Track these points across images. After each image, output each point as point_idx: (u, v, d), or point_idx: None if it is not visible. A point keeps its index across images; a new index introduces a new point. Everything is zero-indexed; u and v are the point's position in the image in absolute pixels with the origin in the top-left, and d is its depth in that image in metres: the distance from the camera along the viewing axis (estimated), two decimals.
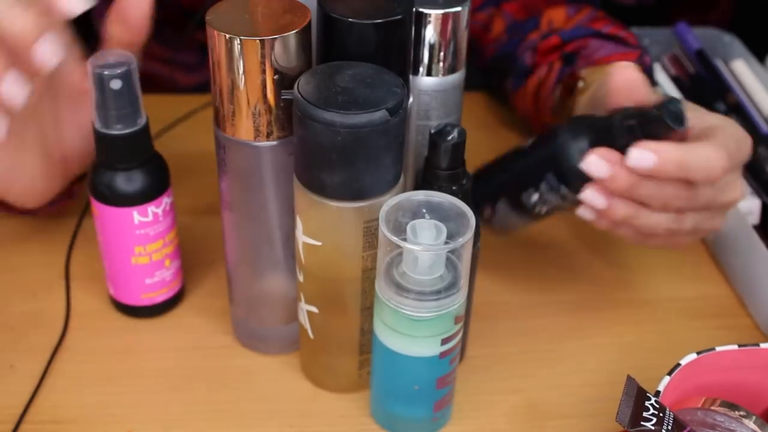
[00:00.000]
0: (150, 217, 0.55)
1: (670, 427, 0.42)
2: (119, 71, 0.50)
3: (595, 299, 0.63)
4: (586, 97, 0.61)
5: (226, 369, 0.56)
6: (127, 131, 0.52)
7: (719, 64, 0.79)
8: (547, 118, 0.69)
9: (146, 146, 0.54)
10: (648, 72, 0.66)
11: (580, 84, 0.65)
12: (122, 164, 0.53)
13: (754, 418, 0.46)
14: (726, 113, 0.75)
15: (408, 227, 0.45)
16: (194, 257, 0.63)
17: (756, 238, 0.61)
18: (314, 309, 0.51)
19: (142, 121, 0.53)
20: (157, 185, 0.55)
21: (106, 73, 0.50)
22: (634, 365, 0.57)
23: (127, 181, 0.54)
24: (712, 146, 0.50)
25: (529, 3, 0.73)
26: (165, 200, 0.56)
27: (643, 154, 0.48)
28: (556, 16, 0.71)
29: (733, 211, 0.63)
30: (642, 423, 0.42)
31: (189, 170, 0.59)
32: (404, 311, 0.46)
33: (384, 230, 0.45)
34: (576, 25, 0.70)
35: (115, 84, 0.50)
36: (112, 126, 0.52)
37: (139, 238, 0.55)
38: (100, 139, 0.53)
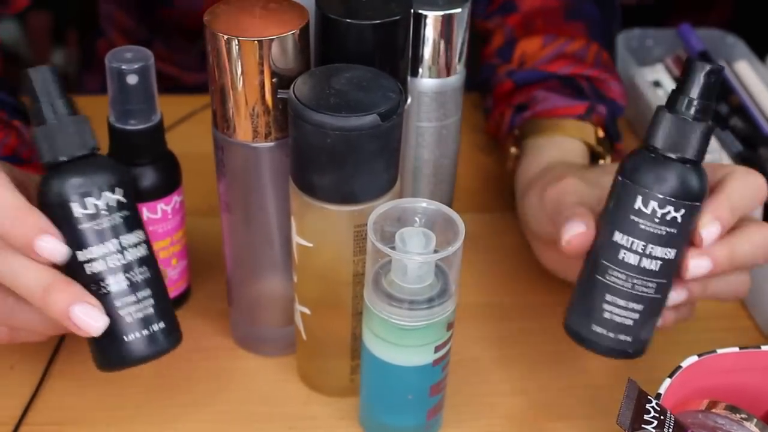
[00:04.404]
0: (159, 215, 0.55)
1: (671, 430, 0.42)
2: (136, 66, 0.50)
3: None
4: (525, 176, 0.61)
5: (225, 370, 0.56)
6: (141, 127, 0.52)
7: (722, 65, 0.79)
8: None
9: (159, 143, 0.54)
10: (607, 123, 0.64)
11: (512, 151, 0.64)
12: (134, 160, 0.53)
13: (755, 420, 0.46)
14: (729, 114, 0.74)
15: (397, 236, 0.45)
16: (194, 258, 0.63)
17: None
18: (307, 310, 0.51)
19: (156, 118, 0.53)
20: (168, 182, 0.55)
21: (123, 68, 0.50)
22: (634, 367, 0.56)
23: (139, 177, 0.53)
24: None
25: (528, 17, 0.72)
26: (175, 198, 0.55)
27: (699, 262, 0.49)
28: (530, 46, 0.69)
29: None
30: (643, 426, 0.42)
31: (190, 171, 0.59)
32: (395, 321, 0.46)
33: (372, 239, 0.44)
34: (539, 60, 0.68)
35: (132, 79, 0.50)
36: (127, 121, 0.52)
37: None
38: (114, 133, 0.53)
